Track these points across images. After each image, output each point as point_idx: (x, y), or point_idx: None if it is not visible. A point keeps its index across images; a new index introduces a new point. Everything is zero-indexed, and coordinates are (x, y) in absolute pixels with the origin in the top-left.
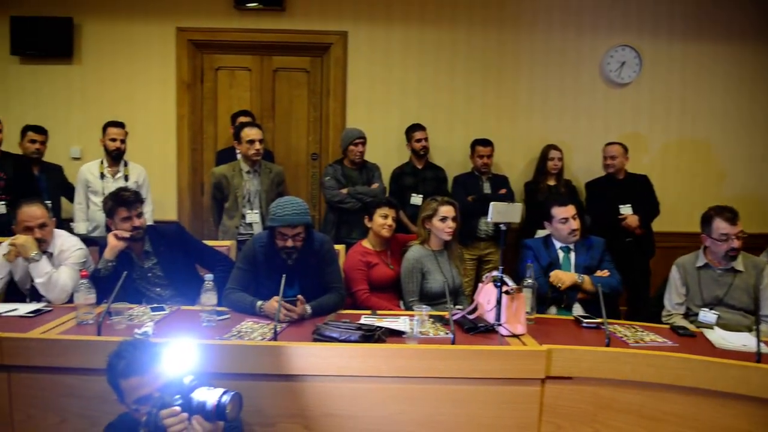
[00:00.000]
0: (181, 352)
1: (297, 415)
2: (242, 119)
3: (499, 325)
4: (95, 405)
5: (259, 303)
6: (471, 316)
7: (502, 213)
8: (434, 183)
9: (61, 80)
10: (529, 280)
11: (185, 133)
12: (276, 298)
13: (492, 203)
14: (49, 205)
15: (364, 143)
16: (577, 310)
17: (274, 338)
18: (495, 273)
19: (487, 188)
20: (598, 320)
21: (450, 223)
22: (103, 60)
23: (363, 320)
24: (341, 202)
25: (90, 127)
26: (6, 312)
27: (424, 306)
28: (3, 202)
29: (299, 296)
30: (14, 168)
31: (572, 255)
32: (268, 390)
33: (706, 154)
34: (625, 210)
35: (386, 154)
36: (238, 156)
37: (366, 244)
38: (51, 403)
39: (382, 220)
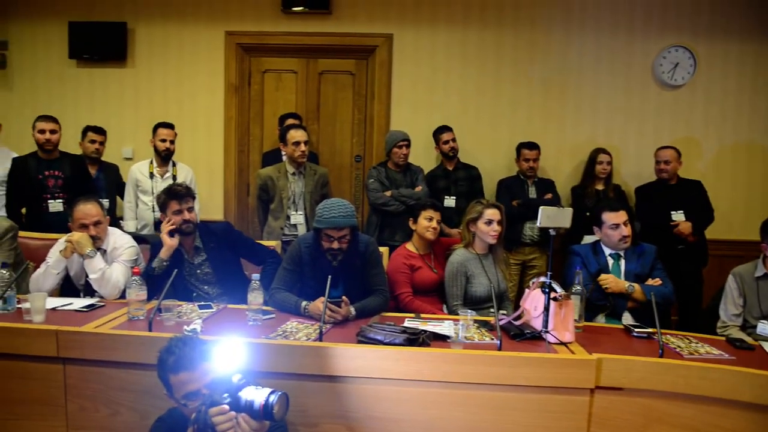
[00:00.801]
0: (229, 350)
1: (340, 417)
2: (290, 121)
3: (547, 332)
4: (145, 399)
5: (304, 303)
6: (517, 323)
7: (552, 218)
8: (467, 183)
9: (115, 83)
10: (578, 287)
11: (232, 135)
12: (321, 299)
13: (542, 207)
14: (107, 203)
15: (408, 145)
16: (627, 319)
17: (320, 339)
18: (542, 279)
19: (532, 192)
20: (650, 330)
21: (495, 227)
22: (155, 63)
23: (407, 323)
24: (385, 205)
25: (141, 128)
26: (62, 306)
27: (469, 310)
28: (60, 200)
29: (344, 298)
30: (71, 167)
31: (622, 262)
32: (312, 390)
33: (764, 160)
34: (678, 216)
35: (430, 156)
36: (284, 158)
37: (410, 246)
38: (103, 396)
39: (426, 223)
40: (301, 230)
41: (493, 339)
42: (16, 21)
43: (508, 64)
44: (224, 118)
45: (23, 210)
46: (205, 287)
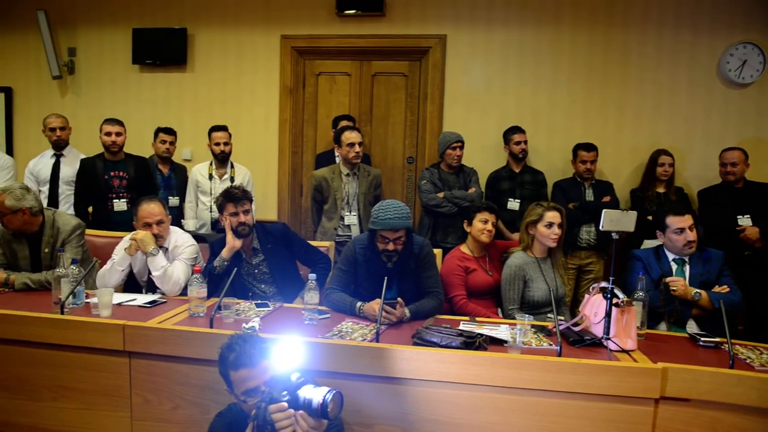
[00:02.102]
0: (288, 349)
1: (396, 418)
2: (343, 123)
3: (608, 339)
4: (206, 394)
5: (359, 304)
6: (576, 329)
7: (615, 221)
8: (532, 187)
9: (175, 87)
10: (640, 293)
11: (287, 137)
12: (376, 300)
13: (605, 210)
14: (177, 201)
15: (461, 147)
16: (692, 327)
17: (376, 340)
18: (604, 284)
19: (589, 195)
20: (718, 339)
21: (556, 230)
22: (213, 67)
23: (462, 326)
24: (437, 206)
25: (200, 130)
26: (126, 301)
27: (527, 315)
28: (125, 200)
29: (399, 299)
30: (135, 169)
31: (687, 268)
32: (368, 391)
33: None
34: (744, 221)
35: (483, 158)
36: (337, 159)
37: (464, 249)
38: (166, 389)
39: (481, 225)
40: (355, 231)
41: (551, 345)
42: (83, 29)
43: (566, 63)
44: (279, 120)
45: (90, 209)
46: (262, 286)
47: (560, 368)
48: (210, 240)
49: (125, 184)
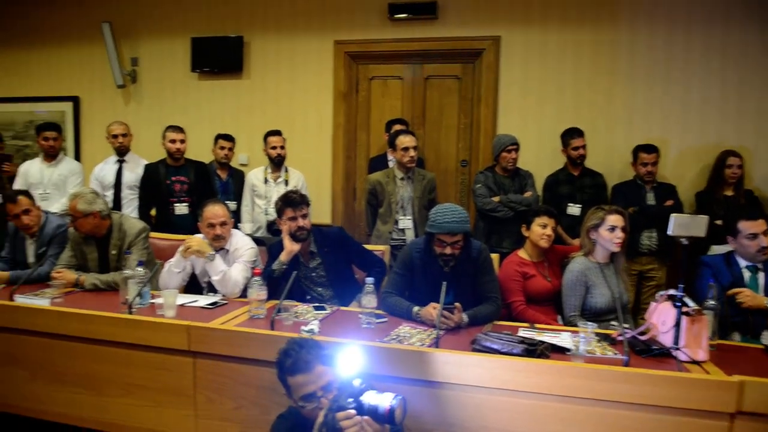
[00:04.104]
0: (351, 354)
1: (454, 425)
2: (397, 127)
3: (677, 349)
4: (267, 395)
5: (416, 309)
6: (642, 337)
7: (684, 226)
8: (592, 191)
9: (232, 93)
10: (712, 302)
11: (340, 141)
12: (434, 304)
13: (673, 215)
14: (235, 205)
15: (516, 150)
16: (767, 338)
17: (436, 345)
18: (672, 291)
19: (650, 199)
20: None
21: (619, 233)
22: (268, 73)
23: (521, 333)
24: (493, 211)
25: (256, 135)
26: (189, 302)
27: (590, 323)
28: (185, 204)
29: (457, 304)
30: (195, 174)
31: (760, 275)
32: (427, 396)
33: None
34: None
35: (539, 161)
36: (390, 163)
37: (522, 254)
38: (228, 389)
39: (540, 230)
40: (409, 235)
41: (616, 354)
42: (145, 39)
43: (625, 62)
44: (333, 125)
45: (153, 212)
46: (319, 289)
47: (628, 378)
48: (267, 243)
49: (186, 189)
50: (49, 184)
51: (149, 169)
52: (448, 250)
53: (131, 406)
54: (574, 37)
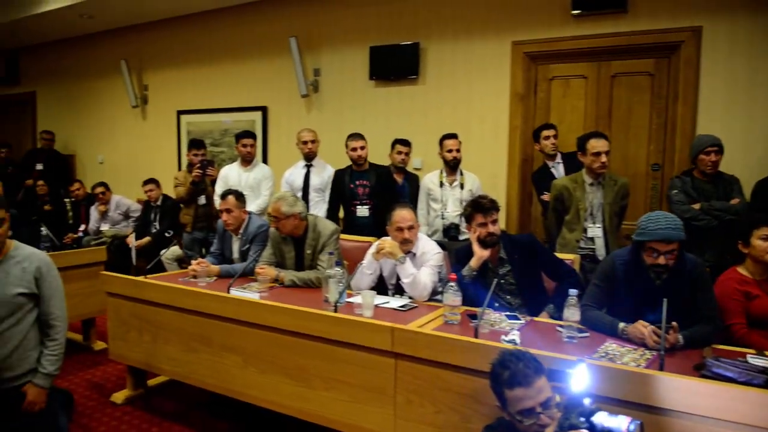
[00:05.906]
0: (581, 372)
1: None
2: (546, 132)
3: None
4: (468, 403)
5: (622, 325)
6: None
7: None
8: None
9: (407, 99)
10: None
11: (517, 144)
12: (642, 322)
13: None
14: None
15: (717, 152)
16: None
17: (661, 368)
18: None
19: None
20: None
21: None
22: (443, 78)
23: (749, 360)
24: (693, 219)
25: (430, 139)
26: (382, 303)
27: None
28: (366, 206)
29: (674, 324)
30: (376, 177)
31: None
32: (648, 422)
33: None
34: None
35: (748, 165)
36: (554, 171)
37: (742, 270)
38: (428, 393)
39: (763, 244)
40: (598, 243)
41: None
42: (326, 50)
43: None
44: (509, 128)
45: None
46: (508, 297)
47: None
48: (450, 248)
49: (368, 192)
50: (246, 187)
51: (337, 174)
52: (661, 260)
53: (333, 400)
54: None
